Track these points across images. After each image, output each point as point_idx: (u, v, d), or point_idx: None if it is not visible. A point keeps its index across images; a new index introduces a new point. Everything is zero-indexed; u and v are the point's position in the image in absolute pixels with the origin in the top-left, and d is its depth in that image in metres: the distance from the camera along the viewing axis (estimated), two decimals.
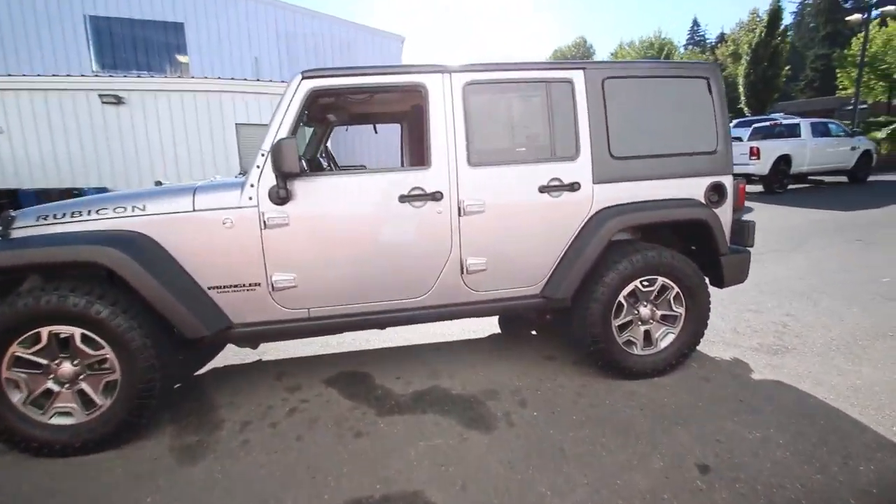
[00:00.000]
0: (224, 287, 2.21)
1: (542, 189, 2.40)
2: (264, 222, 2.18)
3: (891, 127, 16.65)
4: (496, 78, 2.37)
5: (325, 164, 3.31)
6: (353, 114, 3.39)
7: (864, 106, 21.09)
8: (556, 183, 2.41)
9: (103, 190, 11.11)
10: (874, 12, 16.16)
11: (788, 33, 27.99)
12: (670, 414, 2.27)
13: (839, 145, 11.41)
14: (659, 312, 2.61)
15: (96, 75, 13.05)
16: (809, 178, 11.84)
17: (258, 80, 12.41)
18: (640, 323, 2.60)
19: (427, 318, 2.44)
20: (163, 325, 2.13)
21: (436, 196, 2.29)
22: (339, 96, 2.78)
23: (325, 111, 3.14)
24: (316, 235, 2.24)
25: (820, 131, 11.31)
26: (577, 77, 2.44)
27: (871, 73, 22.15)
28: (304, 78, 2.20)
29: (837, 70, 26.25)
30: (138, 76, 13.04)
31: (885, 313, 3.49)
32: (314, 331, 2.36)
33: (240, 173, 2.69)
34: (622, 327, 2.57)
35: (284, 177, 2.11)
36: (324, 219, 2.24)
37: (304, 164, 2.47)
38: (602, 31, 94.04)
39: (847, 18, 17.71)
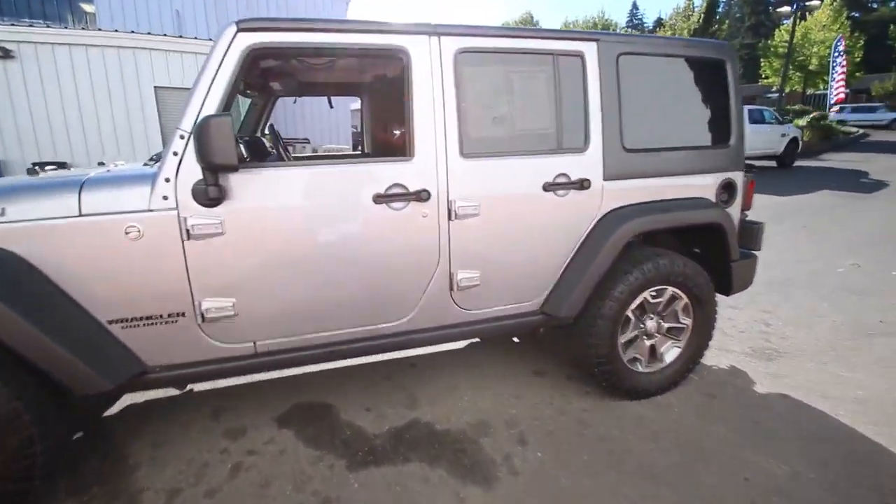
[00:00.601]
0: (132, 320, 1.62)
1: (547, 187, 1.99)
2: (187, 231, 1.59)
3: (810, 116, 18.00)
4: (496, 46, 1.88)
5: (269, 146, 2.66)
6: (303, 82, 2.76)
7: (782, 94, 22.81)
8: (563, 179, 2.01)
9: None
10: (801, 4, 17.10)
11: (726, 22, 29.40)
12: (687, 445, 2.01)
13: (771, 132, 12.07)
14: (665, 325, 2.34)
15: None
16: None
17: (181, 36, 10.81)
18: (645, 337, 2.31)
19: (408, 345, 1.99)
20: (43, 378, 1.51)
21: (421, 195, 1.80)
22: (288, 58, 2.17)
23: (267, 77, 2.49)
24: (262, 247, 1.68)
25: (755, 118, 11.85)
26: (590, 50, 2.01)
27: (790, 63, 23.85)
28: (239, 30, 1.59)
29: (761, 59, 28.05)
30: (30, 25, 10.90)
31: (853, 309, 3.50)
32: (263, 368, 1.83)
33: (151, 158, 2.02)
34: (627, 343, 2.26)
35: (215, 169, 1.53)
36: (273, 225, 1.68)
37: (243, 148, 1.87)
38: (548, 8, 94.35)
39: (778, 10, 18.66)
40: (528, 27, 1.92)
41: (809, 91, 27.81)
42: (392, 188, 1.78)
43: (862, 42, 25.92)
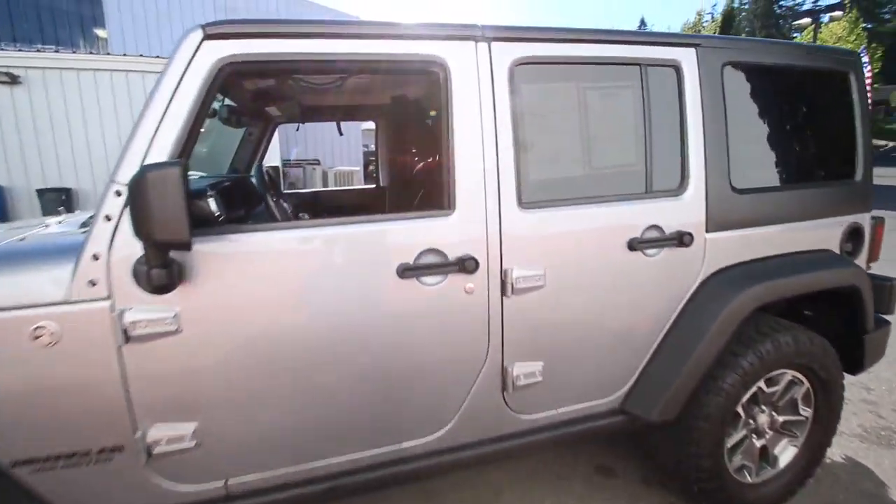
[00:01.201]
0: (46, 460, 1.09)
1: (634, 244, 1.45)
2: (124, 331, 1.07)
3: None
4: (565, 55, 1.37)
5: (260, 188, 2.12)
6: (305, 105, 2.27)
7: None
8: (655, 234, 1.47)
9: None
10: (823, 17, 16.62)
11: (743, 35, 29.16)
12: None
13: None
14: (780, 419, 1.76)
15: None
16: None
17: None
18: (754, 436, 1.73)
19: (443, 469, 1.43)
20: None
21: (465, 265, 1.27)
22: (281, 75, 1.68)
23: (259, 100, 2.00)
24: (237, 348, 1.16)
25: None
26: (688, 58, 1.49)
27: None
28: (207, 37, 1.10)
29: None
30: (38, 50, 10.79)
31: None
32: None
33: (90, 217, 1.51)
34: (733, 448, 1.69)
35: (163, 247, 1.01)
36: (253, 316, 1.16)
37: (214, 202, 1.35)
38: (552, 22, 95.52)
39: (796, 22, 18.25)
40: (605, 30, 1.41)
41: None
42: (424, 255, 1.26)
43: (880, 52, 25.39)
